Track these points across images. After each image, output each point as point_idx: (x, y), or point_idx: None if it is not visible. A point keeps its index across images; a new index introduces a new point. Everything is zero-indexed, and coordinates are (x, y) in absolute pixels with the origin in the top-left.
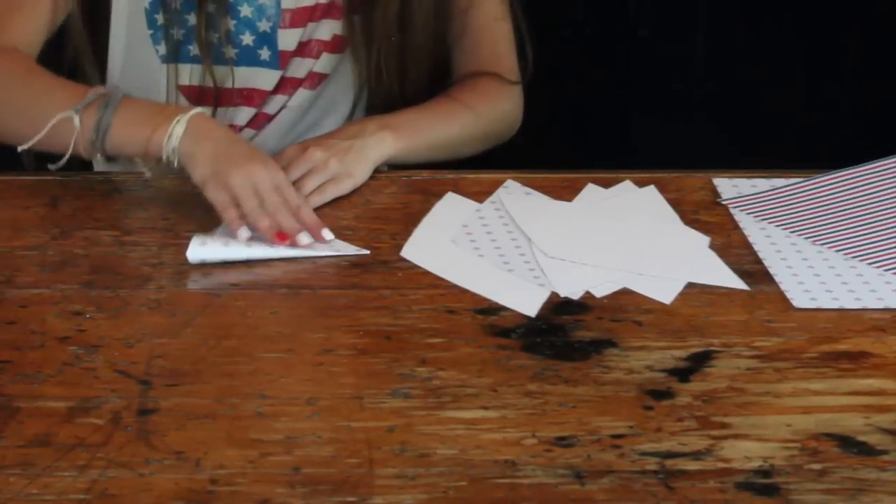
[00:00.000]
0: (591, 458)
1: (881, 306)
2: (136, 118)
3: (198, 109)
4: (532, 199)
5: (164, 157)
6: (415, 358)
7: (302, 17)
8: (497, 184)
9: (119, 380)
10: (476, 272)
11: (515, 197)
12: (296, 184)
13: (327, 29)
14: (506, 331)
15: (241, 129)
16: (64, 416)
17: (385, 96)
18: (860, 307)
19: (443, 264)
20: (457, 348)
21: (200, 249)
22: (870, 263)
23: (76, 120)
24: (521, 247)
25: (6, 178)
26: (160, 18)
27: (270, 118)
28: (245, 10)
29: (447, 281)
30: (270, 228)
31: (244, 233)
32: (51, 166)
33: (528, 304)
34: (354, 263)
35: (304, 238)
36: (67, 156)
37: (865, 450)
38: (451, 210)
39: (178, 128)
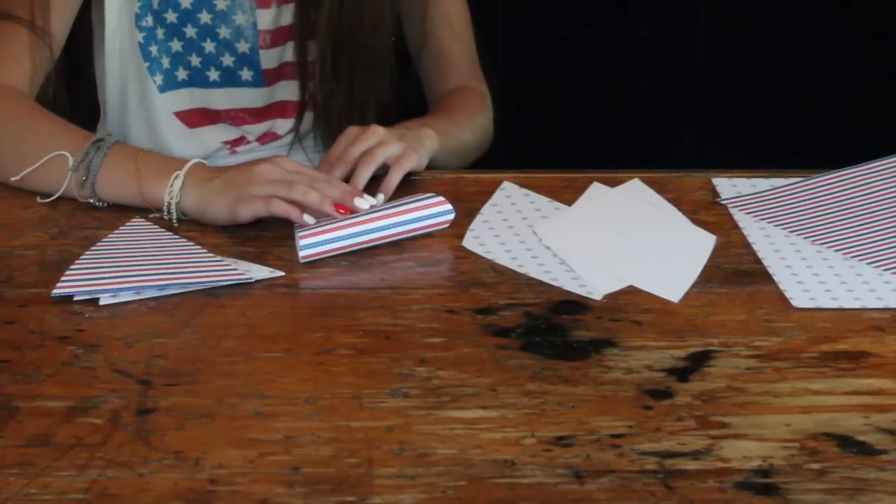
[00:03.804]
0: (591, 458)
1: (880, 306)
2: (124, 165)
3: (192, 162)
4: (532, 199)
5: (166, 213)
6: (414, 358)
7: (281, 38)
8: (496, 184)
9: (118, 379)
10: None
11: (515, 198)
12: (365, 154)
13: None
14: (505, 330)
15: (248, 143)
16: (63, 415)
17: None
18: (859, 307)
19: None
20: (456, 348)
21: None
22: (869, 263)
23: (71, 161)
24: (531, 249)
25: None
26: (154, 51)
27: (278, 137)
28: (224, 32)
29: (456, 278)
30: (324, 200)
31: (309, 218)
32: (39, 199)
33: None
34: (354, 263)
35: (361, 202)
36: (59, 193)
37: (865, 449)
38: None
39: (177, 183)
